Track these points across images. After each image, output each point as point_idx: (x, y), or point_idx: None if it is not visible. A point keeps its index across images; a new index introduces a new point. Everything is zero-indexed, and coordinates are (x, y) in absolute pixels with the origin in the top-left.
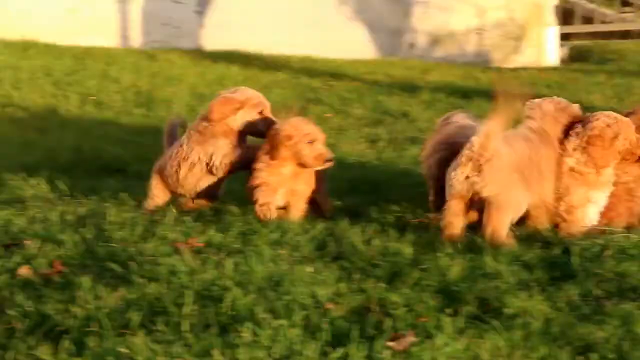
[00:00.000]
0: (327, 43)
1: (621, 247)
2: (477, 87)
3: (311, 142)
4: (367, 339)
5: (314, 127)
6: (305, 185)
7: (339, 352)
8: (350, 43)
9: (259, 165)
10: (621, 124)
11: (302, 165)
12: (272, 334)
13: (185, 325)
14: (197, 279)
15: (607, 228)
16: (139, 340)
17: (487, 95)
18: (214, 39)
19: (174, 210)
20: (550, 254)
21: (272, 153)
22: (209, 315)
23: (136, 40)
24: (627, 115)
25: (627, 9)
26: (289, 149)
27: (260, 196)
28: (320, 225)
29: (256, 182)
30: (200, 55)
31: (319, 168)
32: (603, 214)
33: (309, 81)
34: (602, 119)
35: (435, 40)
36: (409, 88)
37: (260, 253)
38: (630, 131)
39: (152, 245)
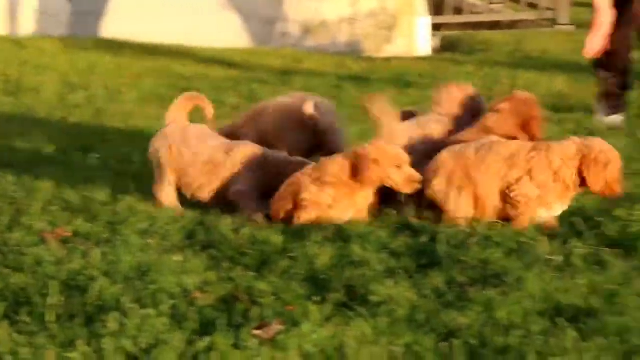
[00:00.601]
0: (199, 32)
1: (486, 234)
2: (350, 76)
3: (399, 166)
4: (234, 328)
5: (400, 150)
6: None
7: (206, 340)
8: (223, 32)
9: (319, 183)
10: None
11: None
12: (139, 323)
13: (49, 316)
14: (63, 269)
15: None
16: (2, 331)
17: (359, 84)
18: (85, 27)
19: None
20: (418, 242)
21: (357, 176)
22: (75, 306)
23: (8, 28)
24: (501, 103)
25: (496, 0)
26: (376, 174)
27: (304, 215)
28: (190, 215)
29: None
30: (72, 43)
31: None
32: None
33: (181, 70)
34: None
35: (308, 30)
36: (282, 77)
37: (128, 242)
38: None
39: (18, 235)
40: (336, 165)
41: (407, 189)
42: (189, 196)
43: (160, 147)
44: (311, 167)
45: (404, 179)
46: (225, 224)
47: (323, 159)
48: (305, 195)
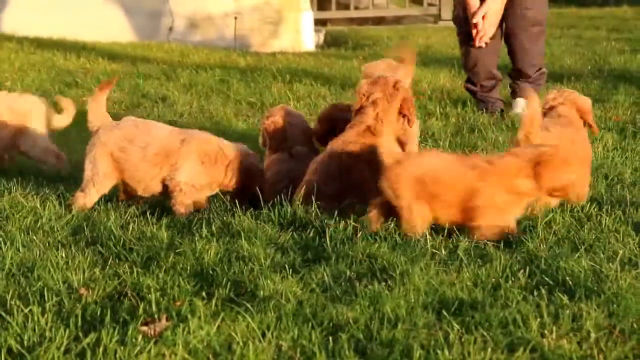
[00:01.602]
0: (84, 25)
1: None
2: (235, 71)
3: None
4: (121, 324)
5: None
6: None
7: (91, 337)
8: (107, 26)
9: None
10: None
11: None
12: (23, 320)
13: None
14: None
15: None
16: None
17: (245, 78)
18: None
19: None
20: (305, 237)
21: (539, 180)
22: None
23: None
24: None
25: None
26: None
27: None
28: (77, 210)
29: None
30: None
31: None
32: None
33: (65, 64)
34: None
35: (193, 24)
36: (168, 72)
37: (13, 238)
38: None
39: None
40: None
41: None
42: (140, 192)
43: (98, 156)
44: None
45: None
46: (113, 220)
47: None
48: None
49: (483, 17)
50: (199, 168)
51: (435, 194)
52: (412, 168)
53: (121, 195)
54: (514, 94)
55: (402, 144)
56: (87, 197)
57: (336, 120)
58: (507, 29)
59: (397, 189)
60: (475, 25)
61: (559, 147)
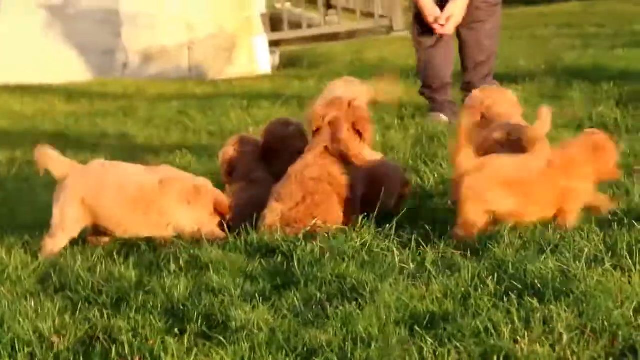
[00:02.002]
0: (37, 68)
1: (339, 249)
2: (192, 101)
3: None
4: None
5: None
6: None
7: None
8: (62, 66)
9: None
10: None
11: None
12: None
13: None
14: None
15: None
16: None
17: (203, 107)
18: None
19: None
20: (273, 263)
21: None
22: None
23: None
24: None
25: (331, 11)
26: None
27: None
28: (42, 258)
29: None
30: None
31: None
32: (320, 217)
33: (22, 108)
34: None
35: (148, 58)
36: (126, 108)
37: None
38: None
39: None
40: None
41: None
42: (118, 234)
43: (67, 202)
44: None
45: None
46: (80, 263)
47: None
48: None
49: (447, 19)
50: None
51: (525, 194)
52: (499, 172)
53: (92, 237)
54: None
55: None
56: (55, 243)
57: (278, 136)
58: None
59: (481, 194)
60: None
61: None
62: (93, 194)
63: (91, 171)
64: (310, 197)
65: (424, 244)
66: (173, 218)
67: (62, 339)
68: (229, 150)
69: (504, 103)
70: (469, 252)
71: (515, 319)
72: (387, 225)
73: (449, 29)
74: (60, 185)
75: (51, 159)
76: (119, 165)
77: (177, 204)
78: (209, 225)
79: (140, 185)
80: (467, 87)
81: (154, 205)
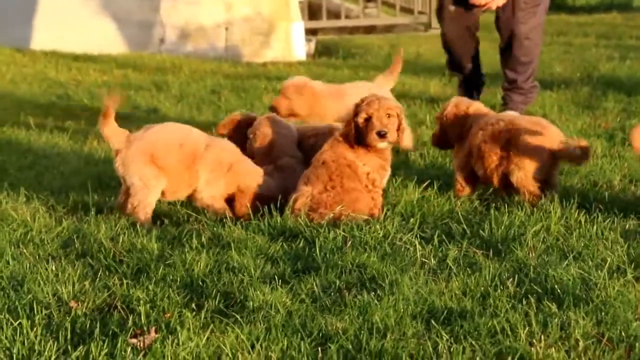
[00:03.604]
0: (74, 37)
1: (362, 238)
2: (226, 81)
3: None
4: (110, 337)
5: None
6: None
7: (80, 350)
8: (98, 37)
9: None
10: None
11: None
12: (12, 334)
13: None
14: None
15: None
16: None
17: (236, 89)
18: None
19: None
20: (295, 247)
21: None
22: None
23: None
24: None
25: (370, 4)
26: None
27: None
28: (67, 223)
29: None
30: None
31: None
32: (348, 205)
33: (57, 76)
34: None
35: (185, 35)
36: (159, 83)
37: (2, 252)
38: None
39: None
40: None
41: None
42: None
43: (139, 164)
44: None
45: None
46: (103, 232)
47: None
48: None
49: None
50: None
51: None
52: None
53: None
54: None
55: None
56: (148, 206)
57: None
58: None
59: None
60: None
61: None
62: (160, 153)
63: (155, 132)
64: (338, 182)
65: (446, 241)
66: (199, 183)
67: (80, 304)
68: (263, 131)
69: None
70: (491, 252)
71: (533, 322)
72: (411, 219)
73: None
74: (125, 152)
75: (109, 129)
76: (180, 126)
77: (206, 171)
78: (221, 202)
79: (194, 145)
80: (510, 87)
81: (194, 167)
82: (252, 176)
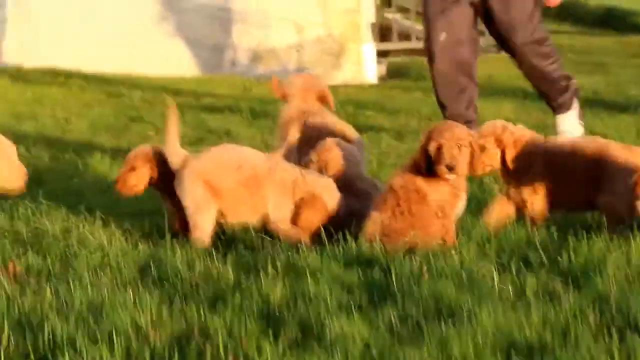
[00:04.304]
0: (147, 60)
1: (437, 266)
2: None
3: None
4: None
5: None
6: None
7: None
8: (171, 60)
9: None
10: None
11: None
12: None
13: (2, 356)
14: (15, 306)
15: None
16: None
17: None
18: (30, 56)
19: None
20: (371, 276)
21: None
22: (28, 345)
23: None
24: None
25: None
26: None
27: None
28: (143, 247)
29: None
30: (16, 73)
31: None
32: (421, 232)
33: (130, 99)
34: None
35: (256, 57)
36: (231, 105)
37: (81, 278)
38: None
39: None
40: None
41: None
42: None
43: (192, 185)
44: None
45: None
46: (179, 258)
47: None
48: None
49: None
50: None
51: None
52: None
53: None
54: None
55: None
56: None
57: None
58: None
59: None
60: None
61: None
62: (215, 175)
63: (211, 153)
64: (406, 207)
65: (524, 269)
66: (267, 207)
67: (158, 333)
68: (331, 156)
69: None
70: (570, 281)
71: (616, 356)
72: (488, 247)
73: None
74: (180, 174)
75: (169, 149)
76: (238, 147)
77: (273, 195)
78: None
79: (254, 167)
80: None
81: (259, 190)
82: (319, 187)
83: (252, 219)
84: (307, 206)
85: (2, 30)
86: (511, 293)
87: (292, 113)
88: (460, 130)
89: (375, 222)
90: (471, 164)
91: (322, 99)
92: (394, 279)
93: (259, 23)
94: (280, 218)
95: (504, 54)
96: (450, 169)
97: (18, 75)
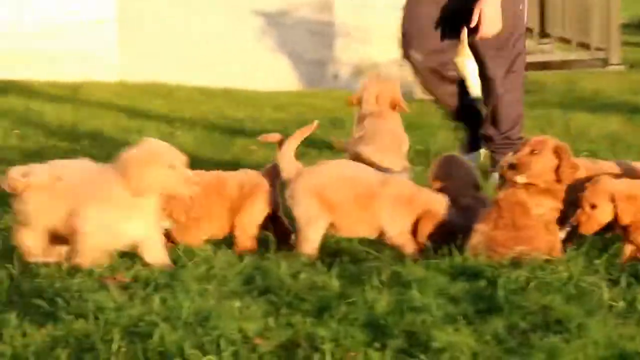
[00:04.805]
0: (249, 74)
1: (546, 279)
2: (401, 118)
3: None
4: None
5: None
6: None
7: None
8: (273, 74)
9: None
10: None
11: None
12: None
13: None
14: (124, 315)
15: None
16: None
17: (410, 126)
18: (134, 71)
19: None
20: (476, 287)
21: None
22: (138, 352)
23: (59, 72)
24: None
25: (545, 40)
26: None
27: None
28: (247, 259)
29: None
30: (123, 87)
31: None
32: (524, 243)
33: (234, 113)
34: None
35: (358, 71)
36: (333, 119)
37: (187, 288)
38: None
39: (79, 281)
40: None
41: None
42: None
43: (304, 198)
44: None
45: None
46: (283, 269)
47: None
48: None
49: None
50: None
51: None
52: None
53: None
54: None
55: None
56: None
57: None
58: None
59: None
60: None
61: None
62: (329, 189)
63: (325, 167)
64: (509, 220)
65: (635, 283)
66: (381, 221)
67: (265, 341)
68: (441, 171)
69: None
70: None
71: None
72: (596, 261)
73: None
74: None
75: (284, 159)
76: (353, 163)
77: (387, 209)
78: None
79: (368, 182)
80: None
81: (372, 205)
82: (434, 203)
83: (366, 233)
84: (423, 220)
85: (111, 46)
86: (621, 306)
87: (360, 115)
88: (542, 139)
89: (479, 233)
90: (557, 171)
91: (394, 104)
92: (500, 290)
93: (361, 38)
94: (397, 232)
95: (609, 69)
96: (512, 167)
97: (123, 89)
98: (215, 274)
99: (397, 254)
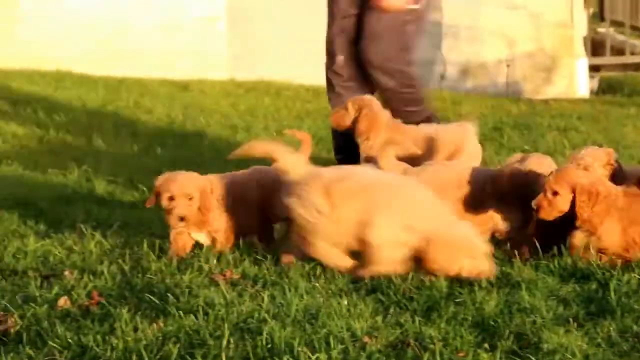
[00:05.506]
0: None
1: None
2: (508, 118)
3: None
4: None
5: None
6: None
7: None
8: None
9: None
10: None
11: None
12: None
13: (223, 357)
14: (233, 311)
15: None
16: None
17: (519, 127)
18: (243, 69)
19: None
20: (587, 289)
21: None
22: (247, 348)
23: (169, 70)
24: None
25: None
26: None
27: None
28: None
29: None
30: (231, 85)
31: None
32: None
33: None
34: None
35: (466, 72)
36: (441, 119)
37: (296, 285)
38: None
39: (189, 277)
40: None
41: None
42: None
43: None
44: None
45: None
46: None
47: None
48: None
49: None
50: None
51: None
52: None
53: None
54: None
55: None
56: None
57: None
58: None
59: None
60: None
61: None
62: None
63: (432, 168)
64: None
65: None
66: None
67: (373, 340)
68: None
69: None
70: None
71: None
72: None
73: None
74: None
75: (385, 162)
76: (459, 165)
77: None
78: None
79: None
80: None
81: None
82: None
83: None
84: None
85: (221, 44)
86: None
87: None
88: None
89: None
90: None
91: None
92: (612, 293)
93: (469, 37)
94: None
95: None
96: None
97: (231, 86)
98: (322, 272)
99: (507, 254)
